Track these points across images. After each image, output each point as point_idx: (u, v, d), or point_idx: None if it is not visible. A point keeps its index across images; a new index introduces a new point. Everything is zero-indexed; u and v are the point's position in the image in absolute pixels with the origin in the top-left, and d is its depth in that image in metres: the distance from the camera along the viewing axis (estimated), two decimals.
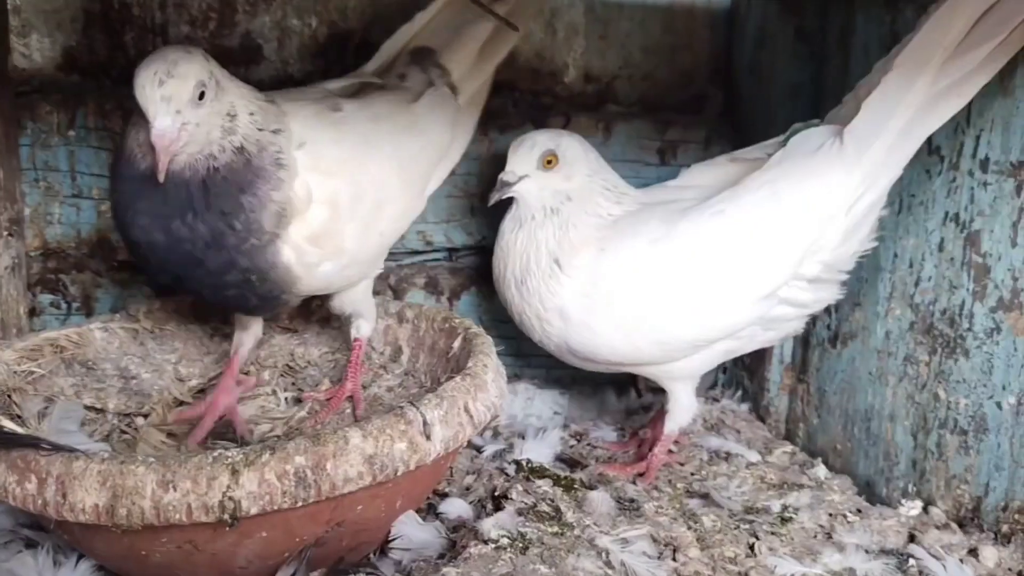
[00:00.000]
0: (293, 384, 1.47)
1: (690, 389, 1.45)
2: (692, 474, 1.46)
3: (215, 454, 0.97)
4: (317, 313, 1.54)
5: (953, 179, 1.30)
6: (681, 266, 1.34)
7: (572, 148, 1.43)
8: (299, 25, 1.68)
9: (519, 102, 1.78)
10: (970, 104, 1.25)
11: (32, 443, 1.02)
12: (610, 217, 1.41)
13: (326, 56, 1.69)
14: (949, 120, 1.27)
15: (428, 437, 1.07)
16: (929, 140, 1.31)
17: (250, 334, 1.41)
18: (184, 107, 1.09)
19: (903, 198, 1.37)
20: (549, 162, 1.41)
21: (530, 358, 1.80)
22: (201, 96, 1.11)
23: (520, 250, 1.42)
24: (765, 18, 1.70)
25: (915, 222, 1.36)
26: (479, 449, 1.48)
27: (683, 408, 1.45)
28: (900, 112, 1.23)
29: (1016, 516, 1.25)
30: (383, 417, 1.05)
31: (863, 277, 1.44)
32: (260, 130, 1.17)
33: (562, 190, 1.41)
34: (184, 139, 1.10)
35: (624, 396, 1.78)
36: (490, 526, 1.16)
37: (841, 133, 1.28)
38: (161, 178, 1.09)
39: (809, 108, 1.57)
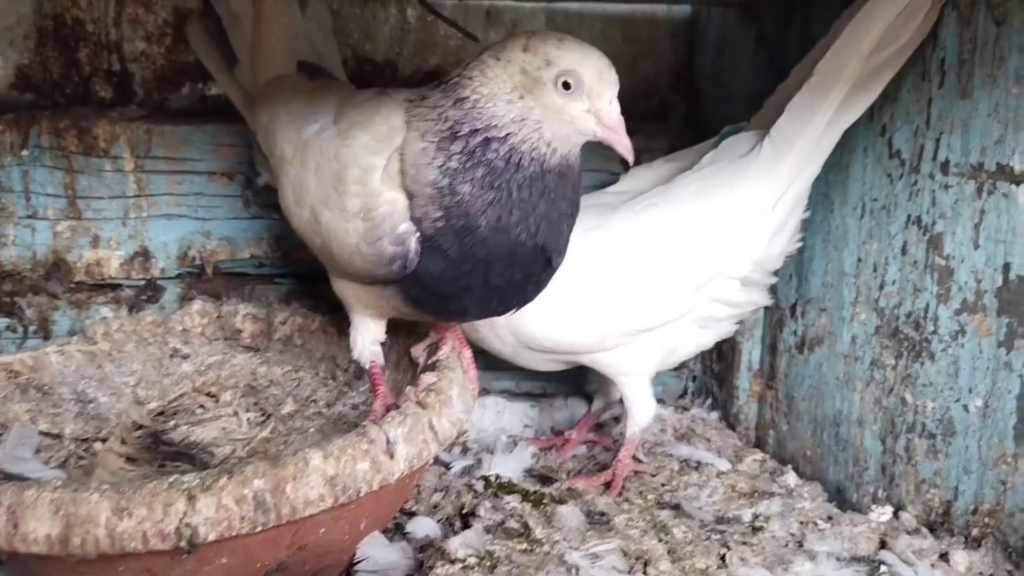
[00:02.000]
0: (255, 404, 1.44)
1: (642, 386, 1.43)
2: (663, 485, 1.44)
3: (171, 479, 0.95)
4: (279, 331, 1.52)
5: (915, 182, 1.30)
6: (613, 256, 1.35)
7: None
8: None
9: None
10: (929, 107, 1.26)
11: None
12: None
13: None
14: (905, 123, 1.29)
15: (391, 456, 1.05)
16: (890, 143, 1.32)
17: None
18: None
19: (865, 203, 1.37)
20: None
21: (499, 372, 1.77)
22: None
23: None
24: (725, 25, 1.70)
25: (878, 226, 1.36)
26: (447, 465, 1.46)
27: (638, 407, 1.42)
28: (821, 113, 1.29)
29: (986, 519, 1.25)
30: (345, 436, 1.04)
31: (828, 283, 1.44)
32: None
33: None
34: None
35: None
36: (457, 545, 1.14)
37: (764, 136, 1.34)
38: (631, 158, 1.07)
39: None
